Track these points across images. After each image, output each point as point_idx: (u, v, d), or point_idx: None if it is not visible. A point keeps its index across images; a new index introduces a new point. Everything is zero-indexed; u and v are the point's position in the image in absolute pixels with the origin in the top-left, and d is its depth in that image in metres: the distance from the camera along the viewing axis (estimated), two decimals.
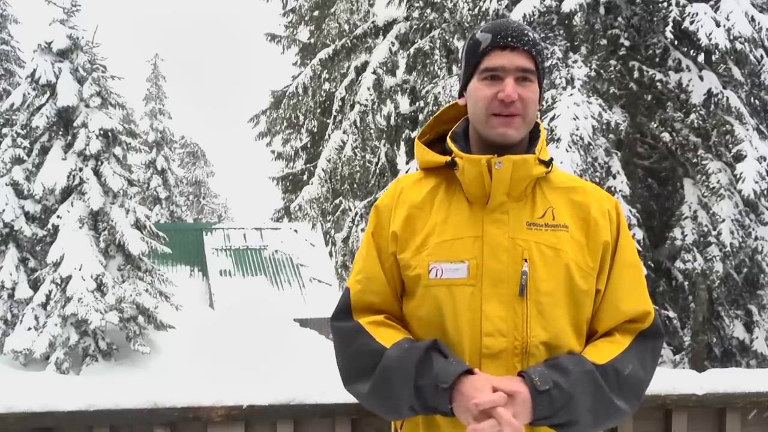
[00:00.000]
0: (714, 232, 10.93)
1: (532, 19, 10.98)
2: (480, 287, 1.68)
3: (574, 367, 1.62)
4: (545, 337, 1.66)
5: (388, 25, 18.45)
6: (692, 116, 11.11)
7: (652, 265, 11.86)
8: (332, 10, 27.81)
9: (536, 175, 1.73)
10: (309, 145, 32.10)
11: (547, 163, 1.75)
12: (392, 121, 18.90)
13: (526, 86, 1.70)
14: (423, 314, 1.74)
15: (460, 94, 1.84)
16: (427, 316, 1.73)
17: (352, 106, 17.74)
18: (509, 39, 1.70)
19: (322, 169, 18.14)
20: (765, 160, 10.46)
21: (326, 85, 21.58)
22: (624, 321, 1.75)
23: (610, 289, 1.75)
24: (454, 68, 17.82)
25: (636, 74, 11.35)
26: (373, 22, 19.06)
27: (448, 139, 1.83)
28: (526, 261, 1.67)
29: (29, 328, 17.83)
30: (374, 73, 17.19)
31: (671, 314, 12.11)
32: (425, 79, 17.89)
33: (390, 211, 1.82)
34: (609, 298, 1.75)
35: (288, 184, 30.67)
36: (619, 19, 11.38)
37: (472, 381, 1.57)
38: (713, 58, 12.01)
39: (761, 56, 11.15)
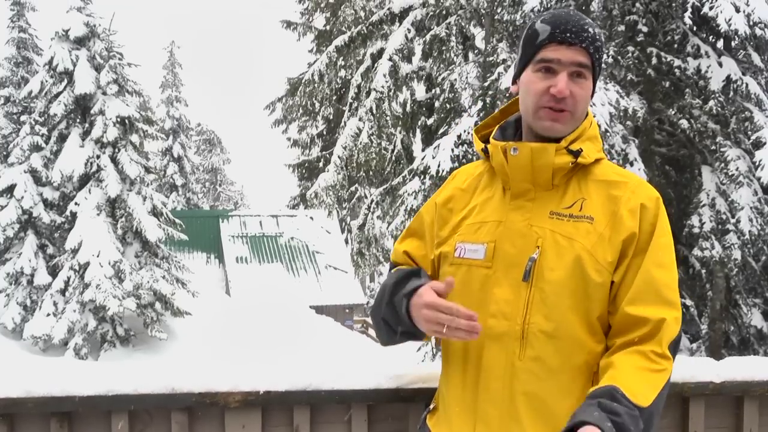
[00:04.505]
0: (732, 220, 10.85)
1: (549, 5, 10.90)
2: (494, 270, 1.71)
3: (624, 411, 1.52)
4: (546, 325, 1.65)
5: (404, 12, 18.38)
6: (711, 103, 11.01)
7: None
8: None
9: (561, 165, 1.69)
10: (325, 133, 32.14)
11: (576, 154, 1.70)
12: (408, 108, 18.85)
13: (579, 83, 1.69)
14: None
15: (514, 81, 1.84)
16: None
17: (368, 93, 17.71)
18: (568, 34, 1.69)
19: (338, 157, 18.14)
20: None
21: (342, 72, 21.56)
22: (639, 323, 1.64)
23: (625, 282, 1.67)
24: (470, 55, 17.74)
25: (654, 60, 11.24)
26: (389, 9, 18.98)
27: (496, 128, 1.87)
28: (538, 248, 1.68)
29: (48, 314, 18.02)
30: (390, 60, 17.14)
31: (688, 302, 12.04)
32: (441, 65, 17.82)
33: (444, 187, 1.97)
34: (622, 293, 1.67)
35: (304, 171, 30.69)
36: (637, 4, 11.27)
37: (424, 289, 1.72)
38: (732, 44, 11.87)
39: None
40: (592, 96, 1.77)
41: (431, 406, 1.92)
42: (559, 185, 1.74)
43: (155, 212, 19.50)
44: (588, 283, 1.65)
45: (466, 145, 12.52)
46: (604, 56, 10.48)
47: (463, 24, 17.13)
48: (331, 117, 30.21)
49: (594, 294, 1.65)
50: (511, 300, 1.68)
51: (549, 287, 1.65)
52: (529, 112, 1.75)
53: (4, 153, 21.36)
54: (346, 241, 30.34)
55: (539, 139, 1.74)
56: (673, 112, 11.69)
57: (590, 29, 1.70)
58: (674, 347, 1.65)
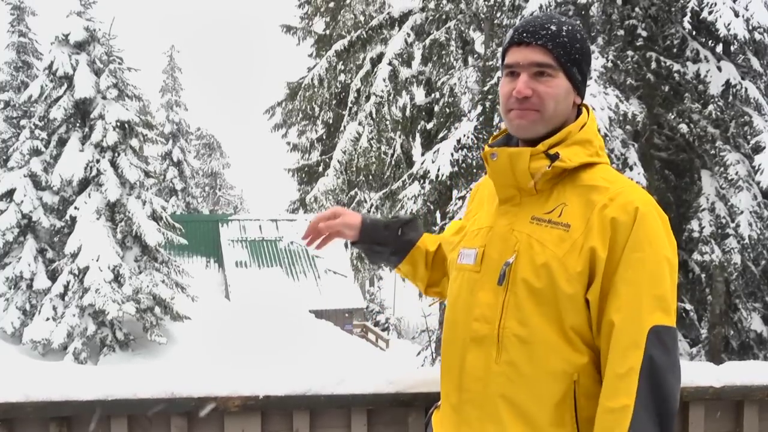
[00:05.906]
0: (732, 224, 10.85)
1: (548, 9, 10.91)
2: (482, 274, 1.74)
3: None
4: (519, 330, 1.65)
5: (404, 17, 18.41)
6: (710, 107, 11.01)
7: None
8: (348, 1, 27.81)
9: (536, 169, 1.69)
10: (324, 137, 32.13)
11: (552, 158, 1.67)
12: (408, 113, 18.87)
13: (543, 81, 1.69)
14: (449, 293, 1.89)
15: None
16: (449, 295, 1.88)
17: (368, 98, 17.73)
18: (525, 35, 1.71)
19: (338, 161, 18.16)
20: None
21: (342, 77, 21.57)
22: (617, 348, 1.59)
23: (601, 304, 1.62)
24: (470, 59, 17.76)
25: (653, 65, 11.24)
26: (388, 14, 19.02)
27: (500, 136, 1.91)
28: (515, 252, 1.69)
29: (47, 319, 18.00)
30: (390, 64, 17.15)
31: (688, 306, 12.04)
32: (441, 70, 17.86)
33: (469, 202, 2.06)
34: (601, 314, 1.62)
35: (303, 175, 30.72)
36: (637, 9, 11.27)
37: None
38: (732, 48, 11.89)
39: None
40: (578, 92, 1.76)
41: (438, 403, 1.94)
42: (543, 190, 1.73)
43: (155, 216, 19.49)
44: (558, 292, 1.63)
45: (465, 150, 12.53)
46: (603, 60, 10.50)
47: (462, 28, 17.15)
48: (331, 121, 30.21)
49: (565, 304, 1.63)
50: (492, 304, 1.70)
51: (521, 292, 1.66)
52: (503, 116, 1.77)
53: (4, 157, 21.35)
54: (346, 246, 30.29)
55: (525, 144, 1.74)
56: (672, 117, 11.69)
57: (552, 27, 1.71)
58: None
